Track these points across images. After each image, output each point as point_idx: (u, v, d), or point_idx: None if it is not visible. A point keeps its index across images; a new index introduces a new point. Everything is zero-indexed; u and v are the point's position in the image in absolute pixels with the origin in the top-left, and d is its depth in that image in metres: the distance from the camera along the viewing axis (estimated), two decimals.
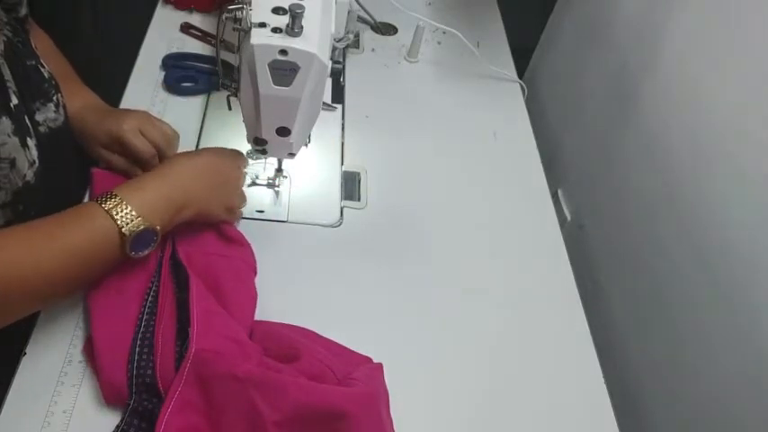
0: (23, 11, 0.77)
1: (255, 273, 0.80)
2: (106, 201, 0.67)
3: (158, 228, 0.69)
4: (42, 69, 0.75)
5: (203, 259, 0.77)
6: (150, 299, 0.72)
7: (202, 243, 0.79)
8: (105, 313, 0.71)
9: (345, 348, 0.74)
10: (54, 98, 0.76)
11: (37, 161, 0.70)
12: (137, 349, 0.67)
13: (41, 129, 0.73)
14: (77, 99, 0.84)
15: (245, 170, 0.84)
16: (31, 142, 0.70)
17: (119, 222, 0.66)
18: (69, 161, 0.82)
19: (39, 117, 0.73)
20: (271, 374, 0.64)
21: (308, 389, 0.64)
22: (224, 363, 0.64)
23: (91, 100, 0.86)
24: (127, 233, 0.66)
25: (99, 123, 0.82)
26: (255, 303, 0.76)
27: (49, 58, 0.85)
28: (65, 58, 0.89)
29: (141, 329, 0.69)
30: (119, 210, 0.66)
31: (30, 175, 0.70)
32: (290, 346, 0.70)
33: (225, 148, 0.82)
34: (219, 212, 0.79)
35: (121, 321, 0.70)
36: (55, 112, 0.75)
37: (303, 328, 0.75)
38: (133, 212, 0.67)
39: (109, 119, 0.82)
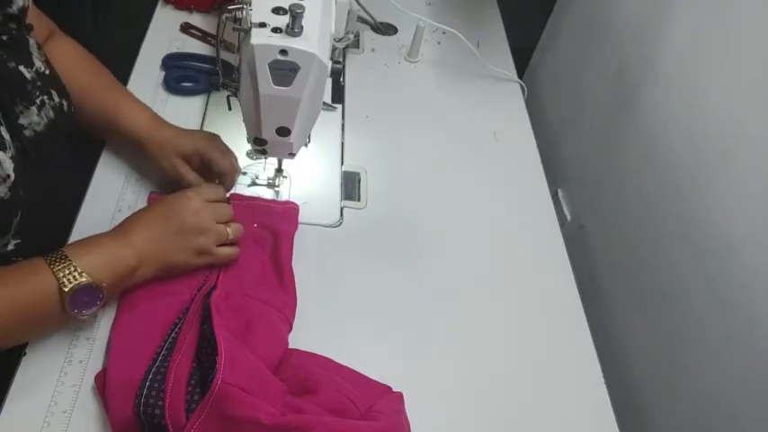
0: (18, 4, 0.70)
1: (290, 328, 0.77)
2: (52, 257, 0.65)
3: (104, 285, 0.66)
4: (27, 70, 0.70)
5: (241, 300, 0.75)
6: (174, 334, 0.71)
7: (247, 286, 0.77)
8: (125, 345, 0.70)
9: (364, 377, 0.73)
10: (37, 101, 0.71)
11: (12, 174, 0.65)
12: (147, 383, 0.65)
13: (27, 133, 0.70)
14: (140, 113, 0.85)
15: (206, 197, 0.77)
16: (4, 155, 0.65)
17: (59, 277, 0.64)
18: (62, 162, 0.80)
19: (23, 121, 0.69)
20: (295, 419, 0.62)
21: (333, 427, 0.62)
22: (248, 405, 0.62)
23: (153, 113, 0.87)
24: (66, 289, 0.64)
25: (179, 136, 0.84)
26: (282, 349, 0.74)
27: (86, 68, 0.85)
28: (106, 69, 0.88)
29: (156, 364, 0.68)
30: (62, 265, 0.65)
31: (2, 191, 0.65)
32: (308, 378, 0.69)
33: (178, 193, 0.77)
34: (187, 261, 0.75)
35: (140, 355, 0.69)
36: (37, 115, 0.71)
37: (320, 356, 0.74)
38: (77, 270, 0.65)
39: (190, 134, 0.85)
